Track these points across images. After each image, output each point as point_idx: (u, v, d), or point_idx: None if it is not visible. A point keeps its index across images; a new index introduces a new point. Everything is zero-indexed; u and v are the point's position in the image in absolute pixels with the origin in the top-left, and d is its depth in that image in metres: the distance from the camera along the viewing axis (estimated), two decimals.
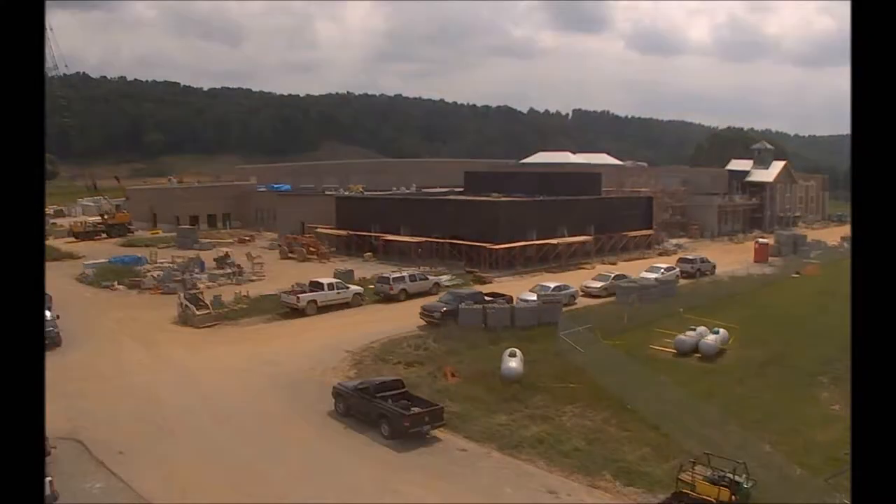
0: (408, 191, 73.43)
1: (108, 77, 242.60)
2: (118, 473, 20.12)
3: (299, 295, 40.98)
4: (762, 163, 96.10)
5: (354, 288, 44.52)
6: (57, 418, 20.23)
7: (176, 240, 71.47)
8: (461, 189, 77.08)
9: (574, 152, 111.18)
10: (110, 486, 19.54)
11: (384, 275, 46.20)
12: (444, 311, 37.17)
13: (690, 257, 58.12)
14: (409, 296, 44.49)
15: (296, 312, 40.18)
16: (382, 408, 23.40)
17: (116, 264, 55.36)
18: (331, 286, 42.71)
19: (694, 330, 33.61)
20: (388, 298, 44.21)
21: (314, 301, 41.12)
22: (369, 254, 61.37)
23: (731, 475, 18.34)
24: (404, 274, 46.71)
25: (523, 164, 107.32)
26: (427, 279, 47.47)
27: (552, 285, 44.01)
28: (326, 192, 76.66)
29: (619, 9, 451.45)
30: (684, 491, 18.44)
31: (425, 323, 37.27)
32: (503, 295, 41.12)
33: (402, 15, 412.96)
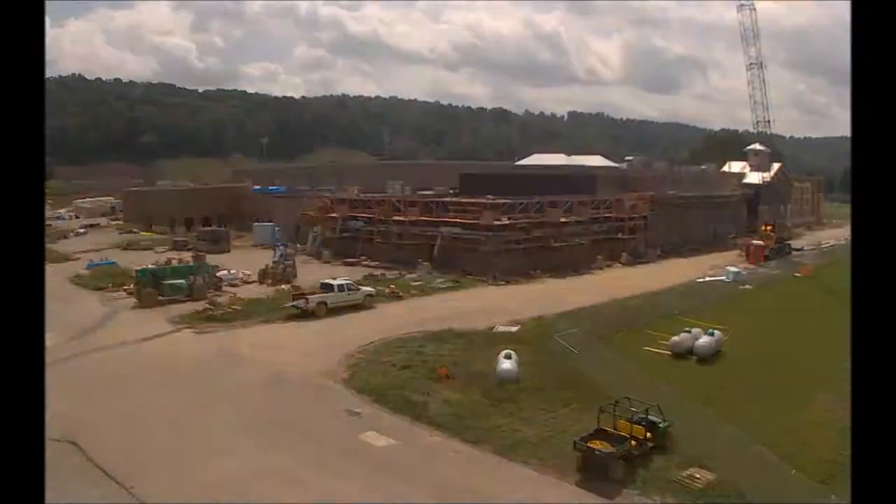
0: (402, 192, 73.23)
1: (104, 78, 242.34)
2: None
3: (308, 296, 40.86)
4: (757, 165, 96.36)
5: (365, 289, 44.27)
6: None
7: (197, 243, 70.47)
8: (456, 191, 77.08)
9: (569, 154, 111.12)
10: None
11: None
12: None
13: None
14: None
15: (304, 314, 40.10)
16: None
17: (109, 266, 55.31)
18: (341, 287, 42.31)
19: (689, 332, 33.70)
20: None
21: (324, 303, 40.93)
22: (363, 257, 61.39)
23: (648, 416, 21.42)
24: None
25: (518, 165, 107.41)
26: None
27: None
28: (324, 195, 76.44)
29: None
30: (605, 428, 21.33)
31: None
32: None
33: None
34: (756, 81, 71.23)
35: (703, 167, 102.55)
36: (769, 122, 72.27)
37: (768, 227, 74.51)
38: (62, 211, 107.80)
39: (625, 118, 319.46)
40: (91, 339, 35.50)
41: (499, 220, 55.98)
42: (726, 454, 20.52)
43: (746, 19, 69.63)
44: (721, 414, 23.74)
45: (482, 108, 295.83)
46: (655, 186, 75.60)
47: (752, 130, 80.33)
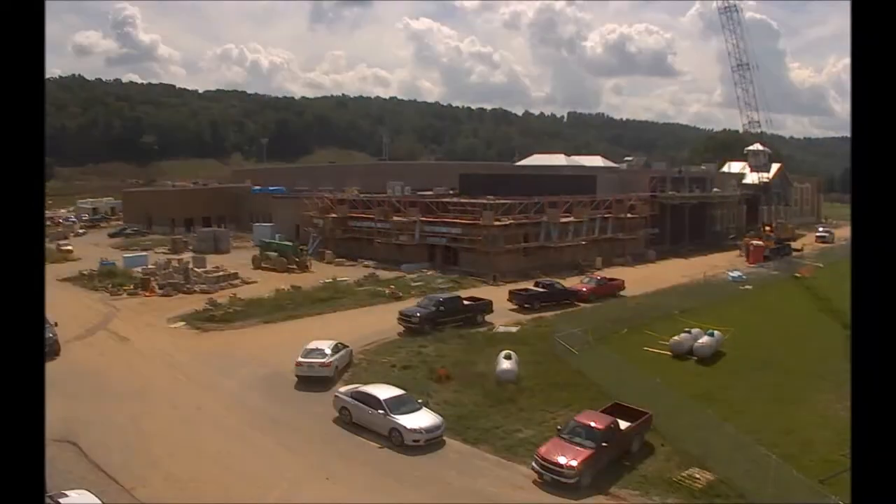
0: (402, 193, 73.18)
1: (104, 79, 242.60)
2: None
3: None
4: (757, 165, 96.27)
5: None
6: None
7: (196, 243, 70.54)
8: (456, 191, 77.16)
9: (568, 154, 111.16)
10: None
11: None
12: (421, 315, 36.85)
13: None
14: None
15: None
16: None
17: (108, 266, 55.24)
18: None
19: (689, 332, 33.68)
20: None
21: None
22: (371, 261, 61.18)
23: None
24: None
25: (518, 166, 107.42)
26: None
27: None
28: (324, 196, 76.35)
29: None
30: None
31: (403, 328, 36.66)
32: (482, 299, 40.86)
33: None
34: (743, 83, 70.97)
35: (703, 167, 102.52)
36: (759, 122, 72.11)
37: (768, 228, 74.58)
38: (62, 211, 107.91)
39: (625, 118, 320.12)
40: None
41: (499, 220, 55.99)
42: (726, 454, 20.51)
43: (731, 21, 69.35)
44: (721, 414, 23.72)
45: (482, 108, 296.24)
46: (655, 187, 75.57)
47: (741, 131, 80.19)
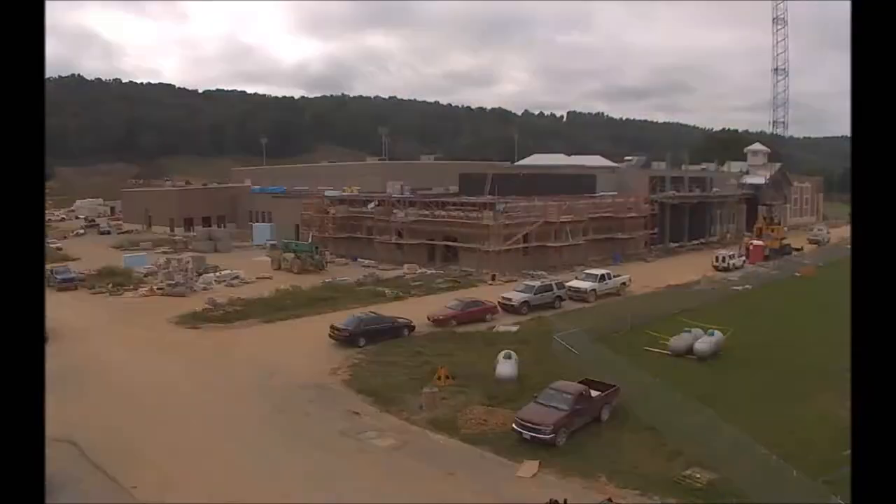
0: (402, 193, 73.12)
1: (104, 79, 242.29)
2: None
3: None
4: (757, 165, 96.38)
5: None
6: None
7: (196, 243, 70.50)
8: (456, 191, 77.18)
9: (569, 154, 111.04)
10: None
11: None
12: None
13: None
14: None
15: None
16: None
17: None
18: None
19: (689, 332, 33.68)
20: None
21: None
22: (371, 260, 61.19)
23: None
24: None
25: (518, 165, 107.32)
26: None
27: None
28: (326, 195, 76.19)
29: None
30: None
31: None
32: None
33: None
34: (780, 85, 73.35)
35: (702, 167, 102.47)
36: (785, 123, 74.43)
37: (768, 227, 74.51)
38: (61, 212, 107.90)
39: (625, 118, 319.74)
40: None
41: (498, 220, 56.00)
42: (727, 454, 20.51)
43: (779, 32, 71.77)
44: (721, 413, 23.70)
45: (482, 108, 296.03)
46: (655, 186, 75.56)
47: (768, 131, 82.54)
